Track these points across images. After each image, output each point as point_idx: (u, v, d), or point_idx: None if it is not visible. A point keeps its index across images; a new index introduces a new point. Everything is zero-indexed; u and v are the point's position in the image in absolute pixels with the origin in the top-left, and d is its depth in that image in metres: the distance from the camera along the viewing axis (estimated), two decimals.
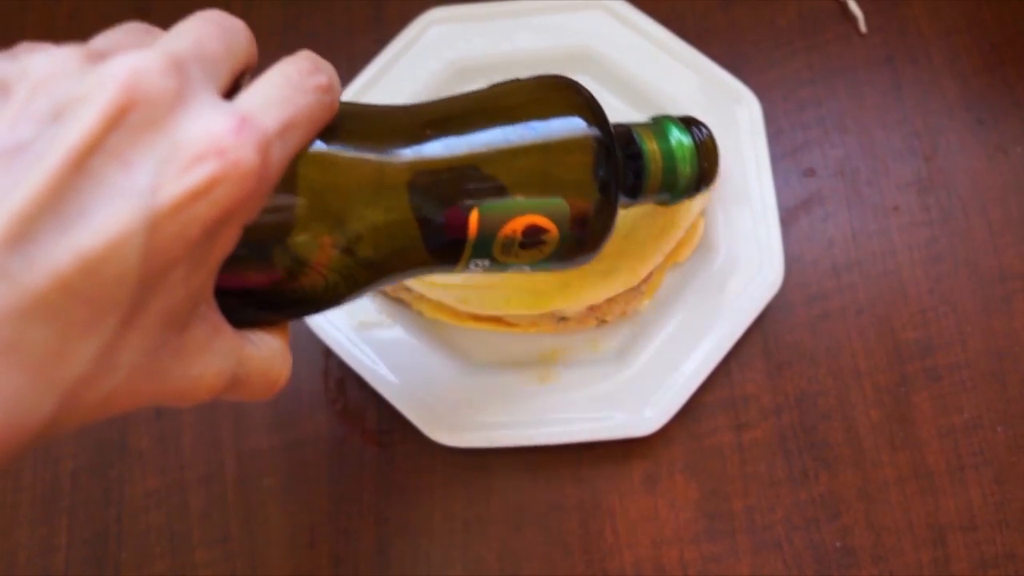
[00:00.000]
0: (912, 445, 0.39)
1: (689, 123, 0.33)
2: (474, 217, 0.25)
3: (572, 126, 0.26)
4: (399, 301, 0.40)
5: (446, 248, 0.26)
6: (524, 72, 0.44)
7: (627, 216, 0.39)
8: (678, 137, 0.32)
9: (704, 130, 0.33)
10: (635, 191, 0.31)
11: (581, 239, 0.27)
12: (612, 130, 0.28)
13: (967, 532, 0.38)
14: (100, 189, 0.17)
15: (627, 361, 0.39)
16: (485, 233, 0.26)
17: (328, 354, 0.41)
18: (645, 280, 0.39)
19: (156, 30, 0.21)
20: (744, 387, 0.40)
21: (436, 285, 0.38)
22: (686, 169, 0.32)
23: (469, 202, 0.25)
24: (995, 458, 0.38)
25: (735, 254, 0.40)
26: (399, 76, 0.43)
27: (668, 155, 0.31)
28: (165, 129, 0.18)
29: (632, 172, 0.31)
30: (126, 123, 0.17)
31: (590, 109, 0.27)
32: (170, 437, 0.40)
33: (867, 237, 0.42)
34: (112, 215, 0.17)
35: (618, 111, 0.44)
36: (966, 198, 0.43)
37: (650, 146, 0.31)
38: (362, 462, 0.40)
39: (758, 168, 0.41)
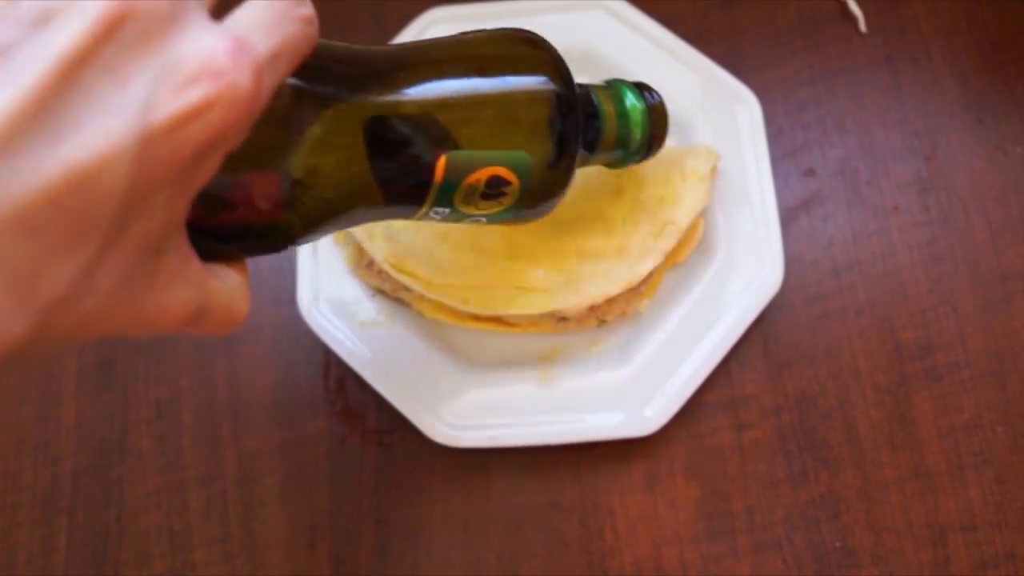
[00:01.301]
0: (912, 445, 0.39)
1: (642, 88, 0.34)
2: (441, 164, 0.26)
3: (538, 83, 0.27)
4: (399, 301, 0.40)
5: (409, 193, 0.26)
6: None
7: (622, 207, 0.39)
8: (632, 100, 0.33)
9: (655, 96, 0.34)
10: (591, 147, 0.32)
11: (539, 191, 0.28)
12: (576, 89, 0.29)
13: (967, 532, 0.38)
14: (92, 102, 0.16)
15: (627, 361, 0.39)
16: (450, 181, 0.26)
17: (328, 354, 0.41)
18: (645, 280, 0.39)
19: None
20: (744, 387, 0.40)
21: (436, 285, 0.38)
22: (637, 131, 0.33)
23: (437, 149, 0.25)
24: (995, 458, 0.38)
25: (735, 254, 0.40)
26: None
27: (622, 115, 0.33)
28: (160, 46, 0.17)
29: (591, 130, 0.32)
30: (120, 35, 0.17)
31: (556, 66, 0.28)
32: (170, 437, 0.40)
33: (867, 237, 0.42)
34: (104, 130, 0.16)
35: None
36: (966, 198, 0.42)
37: (606, 107, 0.32)
38: (362, 462, 0.40)
39: (758, 168, 0.41)
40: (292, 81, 0.23)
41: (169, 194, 0.18)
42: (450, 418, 0.38)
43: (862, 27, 0.45)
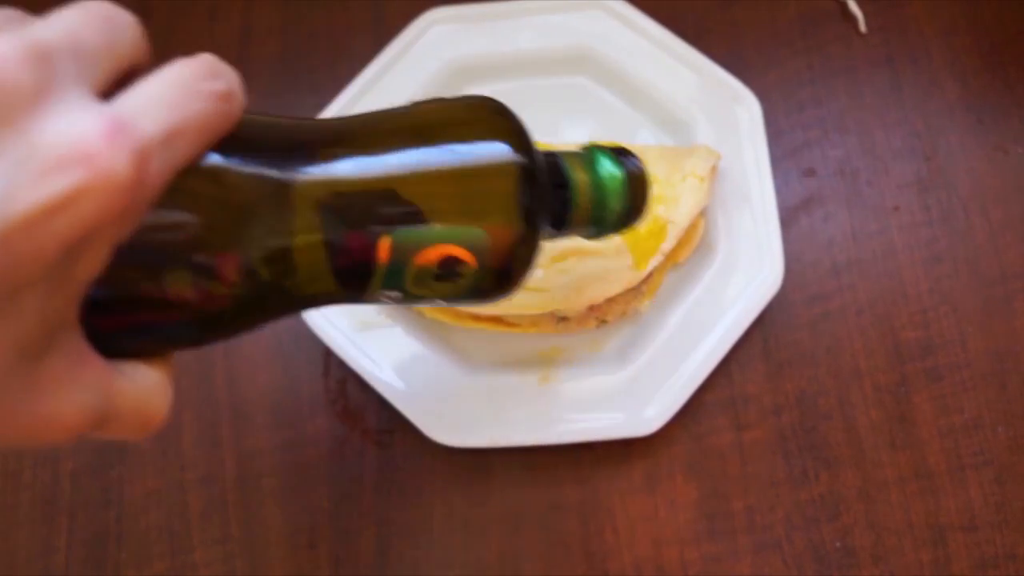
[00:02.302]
0: (912, 445, 0.39)
1: (620, 154, 0.31)
2: (385, 244, 0.23)
3: (496, 151, 0.25)
4: None
5: (352, 277, 0.24)
6: (525, 72, 0.44)
7: None
8: (609, 168, 0.29)
9: (635, 162, 0.31)
10: (561, 223, 0.29)
11: (501, 273, 0.25)
12: (540, 158, 0.26)
13: (967, 532, 0.38)
14: None
15: (627, 361, 0.39)
16: (397, 262, 0.24)
17: (328, 354, 0.41)
18: (645, 280, 0.39)
19: (29, 18, 0.18)
20: (744, 387, 0.40)
21: None
22: (615, 202, 0.29)
23: (380, 228, 0.23)
24: (995, 458, 0.38)
25: (735, 254, 0.40)
26: (399, 76, 0.43)
27: (597, 186, 0.29)
28: (21, 128, 0.15)
29: (559, 203, 0.29)
30: None
31: (516, 135, 0.25)
32: (170, 437, 0.40)
33: (867, 237, 0.42)
34: None
35: (618, 111, 0.44)
36: (966, 198, 0.42)
37: (579, 176, 0.29)
38: (362, 462, 0.40)
39: (758, 168, 0.41)
40: (215, 161, 0.21)
41: (42, 293, 0.16)
42: (450, 418, 0.38)
43: (862, 27, 0.45)
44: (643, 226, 0.39)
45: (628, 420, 0.38)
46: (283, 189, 0.22)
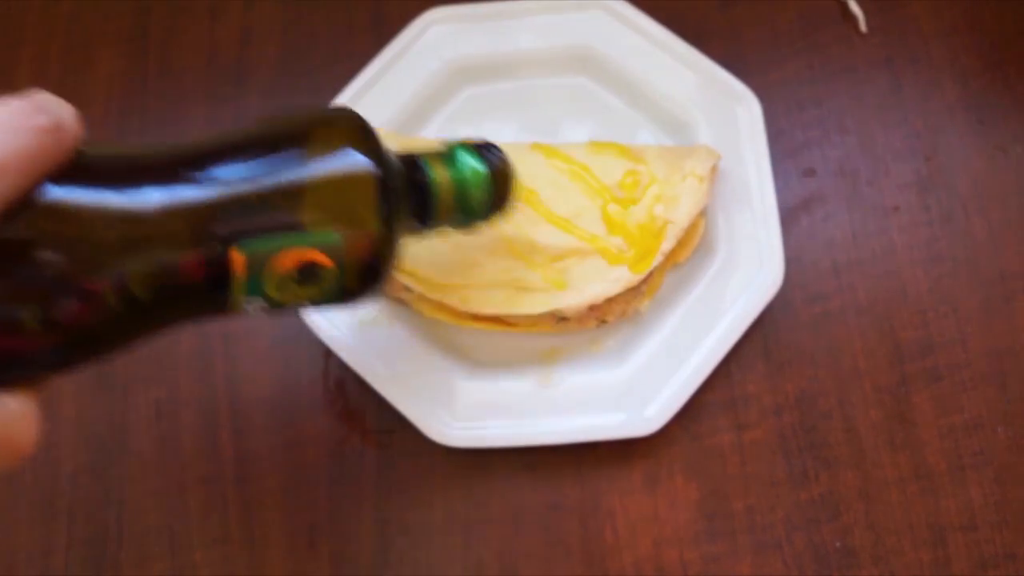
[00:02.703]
0: (912, 445, 0.39)
1: (484, 149, 0.32)
2: (238, 257, 0.24)
3: (343, 158, 0.26)
4: (399, 301, 0.40)
5: (211, 291, 0.24)
6: (525, 72, 0.44)
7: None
8: (470, 164, 0.31)
9: (499, 155, 0.32)
10: (426, 218, 0.31)
11: (362, 272, 0.26)
12: (390, 159, 0.27)
13: (967, 532, 0.38)
14: None
15: (627, 361, 0.39)
16: (254, 272, 0.24)
17: (328, 354, 0.41)
18: (645, 280, 0.39)
19: None
20: (744, 387, 0.40)
21: (436, 285, 0.38)
22: (479, 196, 0.31)
23: (231, 241, 0.24)
24: (995, 458, 0.38)
25: (735, 254, 0.40)
26: (399, 76, 0.43)
27: (459, 182, 0.31)
28: None
29: (420, 200, 0.30)
30: None
31: (362, 139, 0.26)
32: (170, 437, 0.40)
33: (867, 237, 0.42)
34: None
35: (618, 111, 0.44)
36: (966, 198, 0.43)
37: (439, 173, 0.31)
38: (362, 462, 0.40)
39: (758, 168, 0.41)
40: (53, 192, 0.21)
41: None
42: (450, 418, 0.38)
43: (862, 27, 0.45)
44: (638, 225, 0.39)
45: (628, 420, 0.38)
46: (128, 216, 0.22)
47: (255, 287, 0.25)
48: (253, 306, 0.26)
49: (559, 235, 0.39)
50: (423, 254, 0.38)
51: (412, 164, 0.30)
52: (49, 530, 0.39)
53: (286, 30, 0.47)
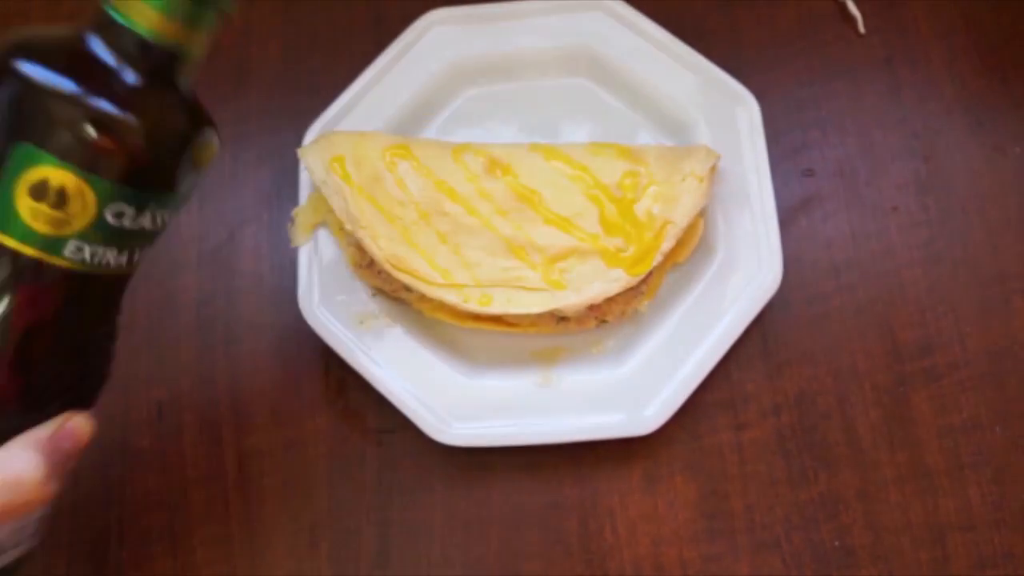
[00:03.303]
0: (911, 445, 0.39)
1: None
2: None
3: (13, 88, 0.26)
4: (399, 301, 0.40)
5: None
6: (525, 73, 0.44)
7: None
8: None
9: None
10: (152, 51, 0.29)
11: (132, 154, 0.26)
12: (48, 44, 0.28)
13: (966, 532, 0.38)
14: None
15: (627, 361, 0.39)
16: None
17: (328, 354, 0.41)
18: (645, 280, 0.39)
19: None
20: (743, 387, 0.40)
21: (436, 285, 0.38)
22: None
23: None
24: (994, 458, 0.39)
25: (734, 254, 0.40)
26: (400, 77, 0.43)
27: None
28: None
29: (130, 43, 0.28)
30: None
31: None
32: (171, 437, 0.40)
33: (866, 237, 0.42)
34: None
35: (618, 112, 0.44)
36: (965, 198, 0.43)
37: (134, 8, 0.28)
38: (362, 462, 0.40)
39: (757, 169, 0.41)
40: None
41: None
42: (450, 418, 0.38)
43: (861, 28, 0.46)
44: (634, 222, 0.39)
45: (628, 420, 0.38)
46: None
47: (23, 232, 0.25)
48: (72, 249, 0.26)
49: (559, 235, 0.39)
50: (423, 254, 0.39)
51: (105, 19, 0.29)
52: (50, 530, 0.39)
53: (286, 30, 0.47)
